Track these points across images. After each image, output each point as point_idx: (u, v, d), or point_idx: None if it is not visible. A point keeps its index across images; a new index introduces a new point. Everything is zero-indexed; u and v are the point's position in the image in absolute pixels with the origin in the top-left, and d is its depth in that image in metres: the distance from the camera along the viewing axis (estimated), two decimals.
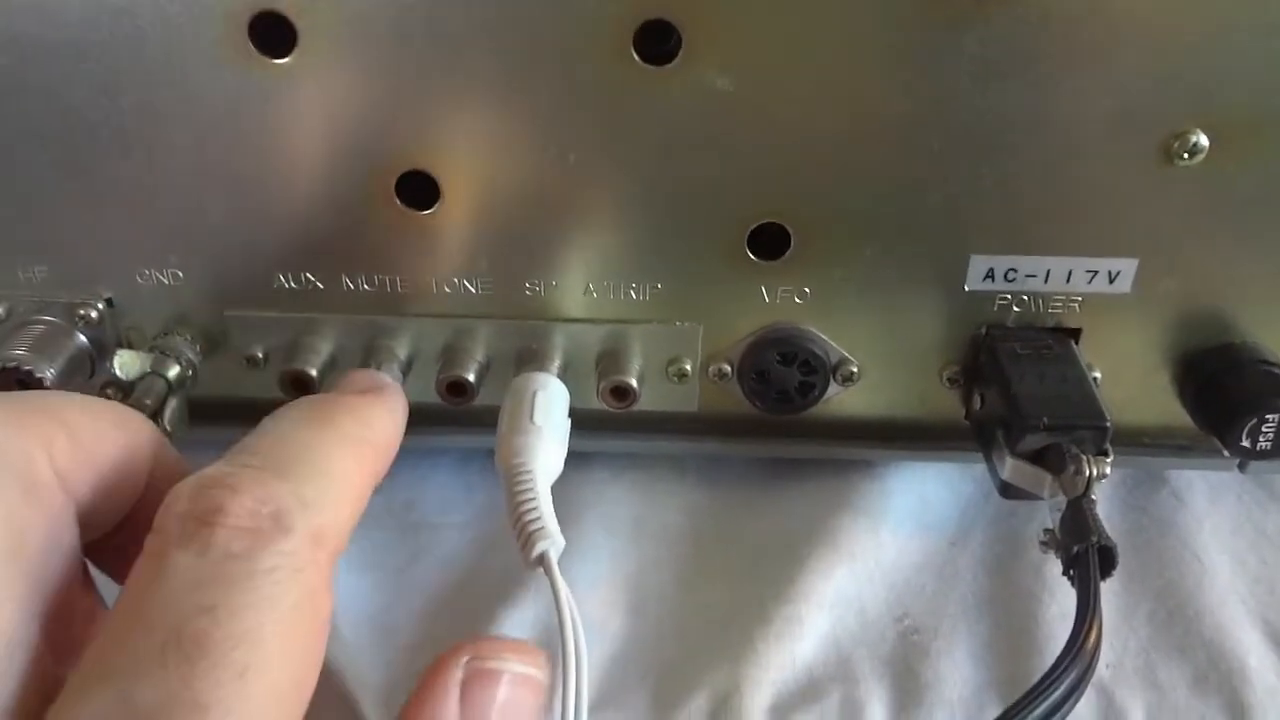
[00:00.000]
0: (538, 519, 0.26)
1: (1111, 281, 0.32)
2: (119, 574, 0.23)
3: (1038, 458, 0.30)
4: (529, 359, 0.32)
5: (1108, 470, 0.28)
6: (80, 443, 0.20)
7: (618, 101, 0.28)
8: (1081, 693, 0.24)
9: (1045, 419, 0.30)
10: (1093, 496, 0.29)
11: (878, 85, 0.28)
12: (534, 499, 0.27)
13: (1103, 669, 0.30)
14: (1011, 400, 0.30)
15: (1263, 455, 0.32)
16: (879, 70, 0.28)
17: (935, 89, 0.28)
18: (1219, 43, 0.28)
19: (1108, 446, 0.30)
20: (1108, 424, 0.30)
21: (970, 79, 0.28)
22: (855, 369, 0.33)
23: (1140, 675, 0.30)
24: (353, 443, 0.22)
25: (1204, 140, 0.29)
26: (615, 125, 0.29)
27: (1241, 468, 0.35)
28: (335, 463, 0.21)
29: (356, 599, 0.31)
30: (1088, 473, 0.28)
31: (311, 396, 0.24)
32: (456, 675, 0.19)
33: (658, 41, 0.28)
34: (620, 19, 0.27)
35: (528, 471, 0.27)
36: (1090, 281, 0.32)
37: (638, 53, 0.28)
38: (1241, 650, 0.30)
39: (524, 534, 0.26)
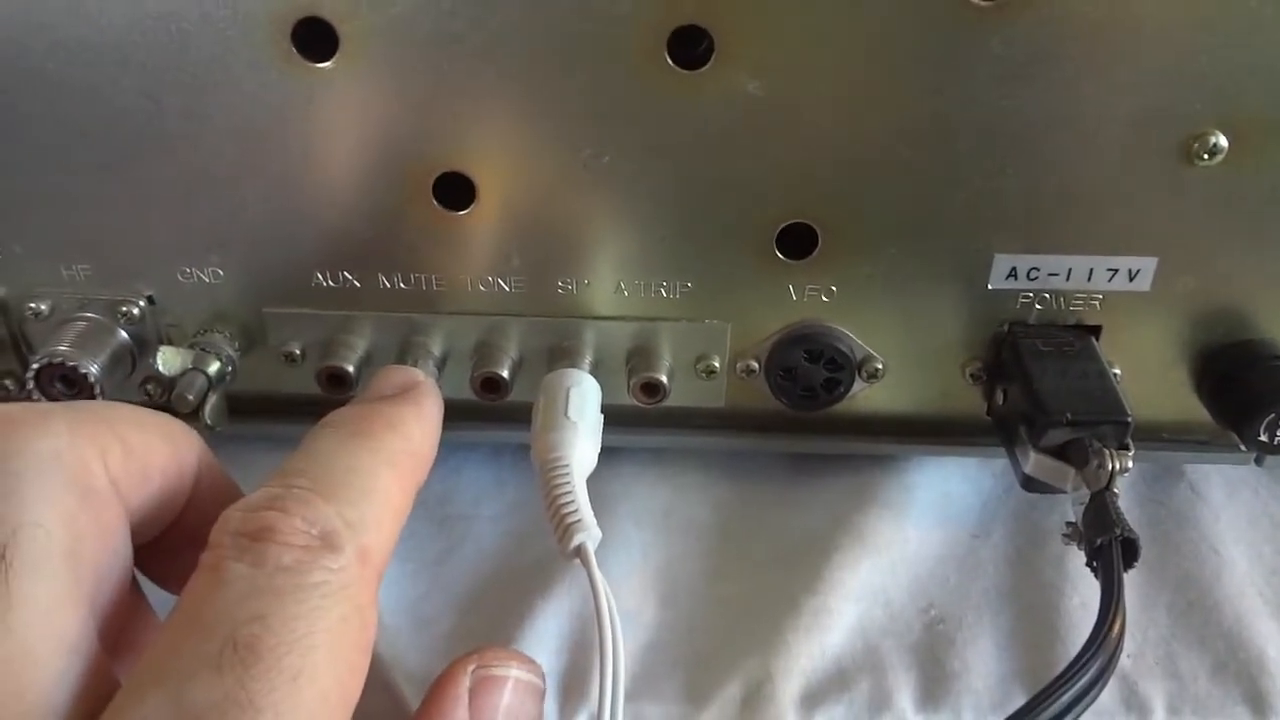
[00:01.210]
0: (575, 511, 0.27)
1: (1131, 280, 0.33)
2: (163, 580, 0.24)
3: (1060, 452, 0.31)
4: (561, 356, 0.33)
5: (1130, 464, 0.29)
6: (133, 453, 0.21)
7: (650, 105, 0.29)
8: (1105, 681, 0.25)
9: (1069, 414, 0.30)
10: (1115, 490, 0.29)
11: (903, 87, 0.29)
12: (570, 492, 0.27)
13: (1124, 659, 0.30)
14: (1034, 396, 0.31)
15: (1278, 450, 0.33)
16: (904, 72, 0.29)
17: (960, 90, 0.29)
18: (1238, 43, 0.28)
19: (1129, 441, 0.30)
20: (1129, 419, 0.30)
21: (994, 80, 0.29)
22: (880, 366, 0.34)
23: (1161, 665, 0.30)
24: (393, 459, 0.23)
25: (1223, 141, 0.30)
26: (648, 128, 0.29)
27: (1259, 462, 0.36)
28: (378, 481, 0.22)
29: (395, 589, 0.32)
30: (1110, 466, 0.29)
31: (350, 408, 0.25)
32: (465, 681, 0.21)
33: (690, 45, 0.28)
34: (653, 24, 0.28)
35: (565, 465, 0.28)
36: (1111, 280, 0.33)
37: (671, 57, 0.28)
38: (1260, 640, 0.31)
39: (561, 526, 0.26)
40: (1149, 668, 0.30)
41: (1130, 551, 0.28)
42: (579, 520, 0.26)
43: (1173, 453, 0.36)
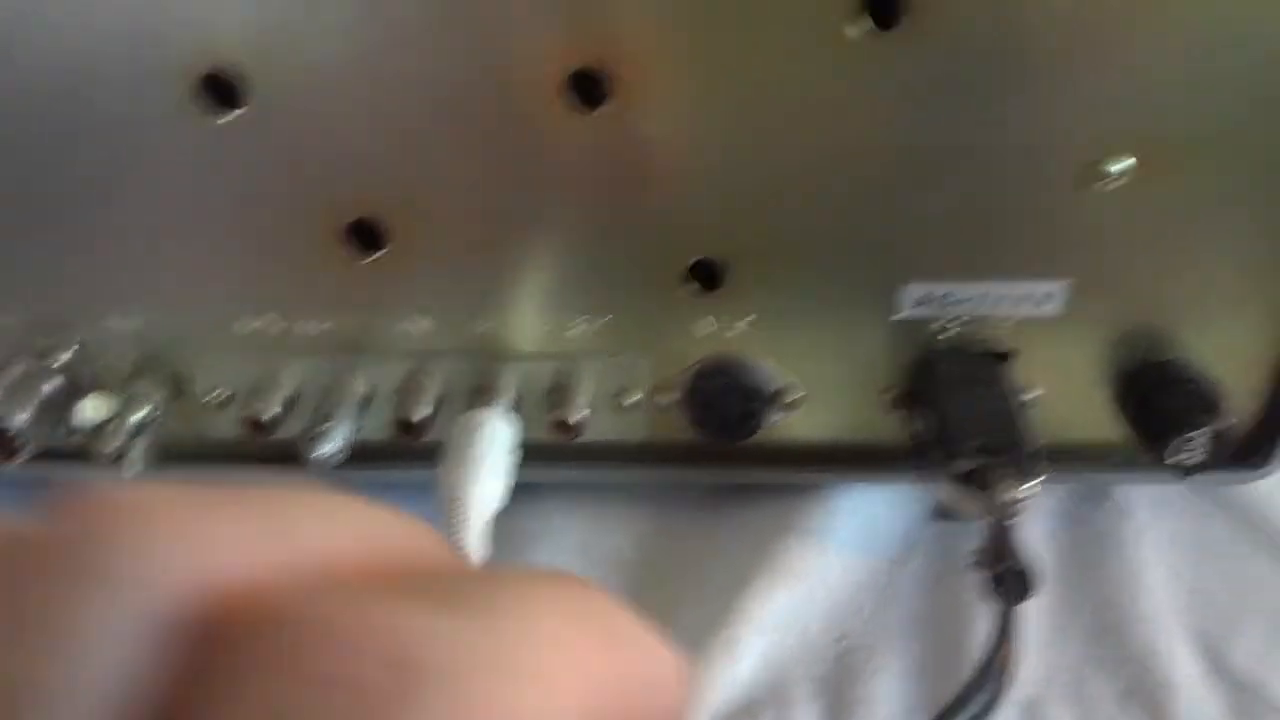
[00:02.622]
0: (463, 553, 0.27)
1: (1044, 304, 0.33)
2: None
3: (967, 480, 0.31)
4: (481, 395, 0.34)
5: (1031, 493, 0.29)
6: None
7: (553, 145, 0.30)
8: (991, 714, 0.25)
9: (973, 442, 0.31)
10: (1014, 519, 0.30)
11: (806, 119, 0.29)
12: (464, 533, 0.28)
13: (1031, 687, 0.30)
14: (942, 423, 0.31)
15: (1193, 470, 0.33)
16: (806, 104, 0.29)
17: (859, 121, 0.29)
18: (1144, 68, 0.28)
19: (1036, 468, 0.31)
20: (1035, 447, 0.31)
21: (893, 109, 0.29)
22: (798, 395, 0.34)
23: (1070, 690, 0.31)
24: None
25: (1129, 163, 0.30)
26: (553, 168, 0.30)
27: (1184, 480, 0.36)
28: None
29: None
30: (1008, 496, 0.29)
31: None
32: None
33: (589, 86, 0.29)
34: (550, 68, 0.28)
35: (460, 505, 0.29)
36: (1022, 305, 0.33)
37: (569, 98, 0.29)
38: (1171, 663, 0.31)
39: None
40: (1057, 695, 0.30)
41: (1023, 583, 0.28)
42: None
43: (1099, 474, 0.36)
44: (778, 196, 0.30)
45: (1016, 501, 0.29)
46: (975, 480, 0.31)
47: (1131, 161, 0.30)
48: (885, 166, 0.30)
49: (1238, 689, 0.31)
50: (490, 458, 0.31)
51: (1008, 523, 0.29)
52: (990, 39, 0.28)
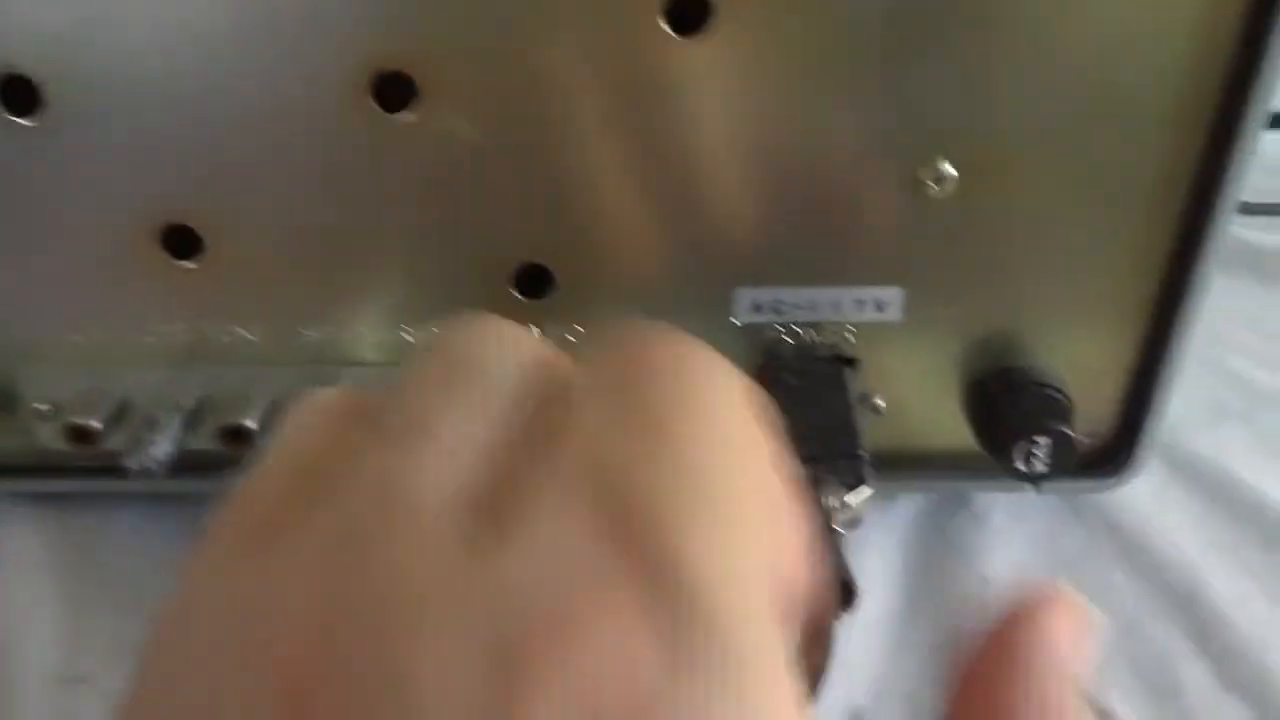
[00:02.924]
0: None
1: (880, 310, 0.32)
2: None
3: None
4: None
5: (853, 500, 0.29)
6: None
7: (363, 149, 0.29)
8: None
9: (800, 451, 0.30)
10: (847, 527, 0.29)
11: (616, 123, 0.29)
12: None
13: (864, 698, 0.30)
14: None
15: (1038, 477, 0.33)
16: (617, 108, 0.28)
17: (676, 125, 0.29)
18: (961, 77, 0.28)
19: (864, 476, 0.30)
20: (862, 453, 0.30)
21: (716, 112, 0.28)
22: None
23: (904, 702, 0.30)
24: None
25: (951, 171, 0.29)
26: (364, 172, 0.29)
27: (1037, 489, 0.35)
28: None
29: None
30: (835, 504, 0.29)
31: None
32: None
33: (397, 90, 0.28)
34: (355, 69, 0.28)
35: None
36: (860, 311, 0.32)
37: (378, 101, 0.28)
38: None
39: None
40: (890, 706, 0.30)
41: (844, 595, 0.27)
42: None
43: (955, 482, 0.36)
44: (593, 203, 0.30)
45: (843, 509, 0.29)
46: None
47: (952, 170, 0.29)
48: (707, 173, 0.29)
49: None
50: None
51: (838, 531, 0.28)
52: (803, 47, 0.27)
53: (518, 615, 0.12)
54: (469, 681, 0.11)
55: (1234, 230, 0.52)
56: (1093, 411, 0.35)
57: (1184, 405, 0.40)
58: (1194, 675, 0.31)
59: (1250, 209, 0.55)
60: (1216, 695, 0.30)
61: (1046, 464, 0.32)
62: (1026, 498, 0.37)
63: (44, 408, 0.33)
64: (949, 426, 0.35)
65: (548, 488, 0.14)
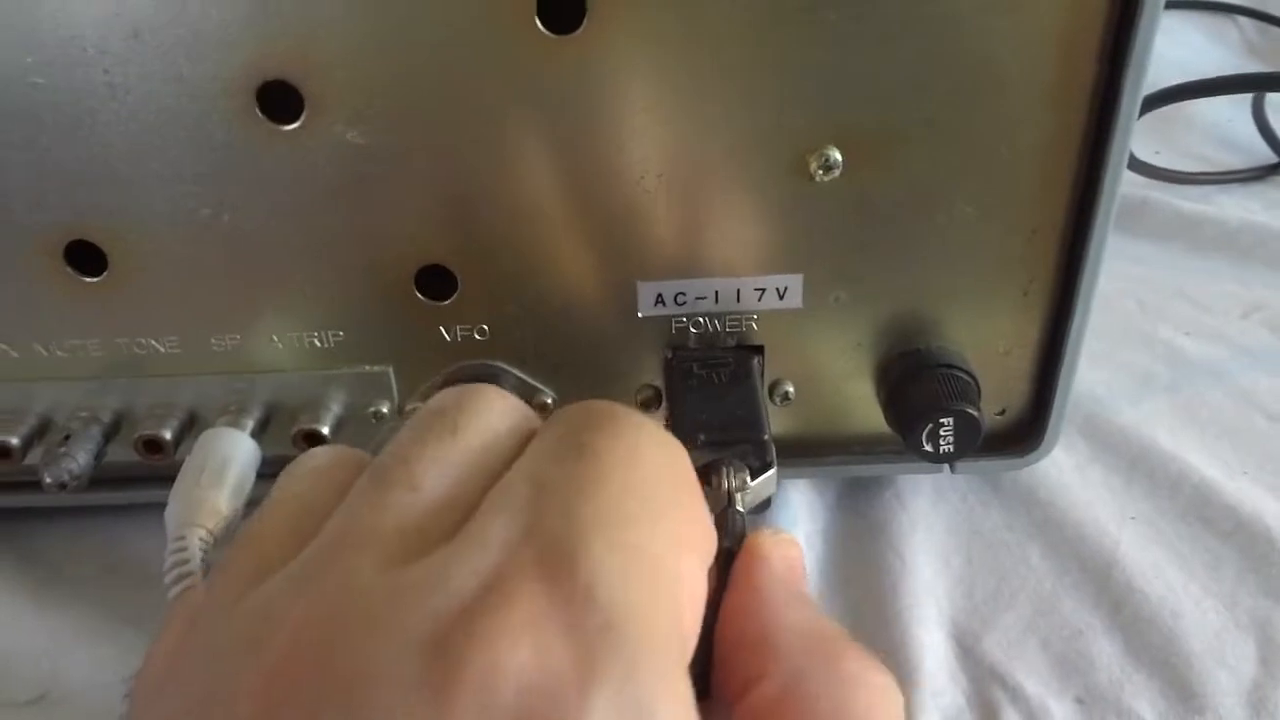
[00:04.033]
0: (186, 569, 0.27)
1: (782, 297, 0.33)
2: None
3: (704, 475, 0.31)
4: (228, 412, 0.33)
5: (753, 482, 0.29)
6: None
7: (254, 159, 0.29)
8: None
9: (701, 436, 0.30)
10: (739, 509, 0.29)
11: (502, 125, 0.29)
12: (189, 561, 0.27)
13: None
14: (677, 420, 0.31)
15: (946, 458, 0.33)
16: (498, 109, 0.29)
17: (562, 124, 0.29)
18: (836, 62, 0.28)
19: (770, 460, 0.30)
20: (767, 438, 0.30)
21: (598, 110, 0.29)
22: (549, 400, 0.34)
23: None
24: None
25: (837, 155, 0.30)
26: (257, 183, 0.30)
27: (951, 469, 0.36)
28: None
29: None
30: (726, 485, 0.29)
31: None
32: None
33: (284, 99, 0.29)
34: (239, 80, 0.28)
35: (180, 539, 0.28)
36: (761, 299, 0.33)
37: (264, 112, 0.29)
38: (920, 653, 0.31)
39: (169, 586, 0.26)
40: None
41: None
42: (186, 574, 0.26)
43: (871, 465, 0.36)
44: (486, 203, 0.30)
45: (735, 490, 0.29)
46: (703, 474, 0.30)
47: (838, 155, 0.30)
48: (595, 168, 0.30)
49: (982, 677, 0.30)
50: (227, 479, 0.30)
51: (732, 511, 0.28)
52: (676, 40, 0.28)
53: (450, 610, 0.15)
54: (411, 668, 0.14)
55: (1167, 199, 0.53)
56: (1003, 389, 0.35)
57: (1112, 377, 0.41)
58: (1105, 648, 0.31)
59: (1182, 178, 0.56)
60: (1125, 667, 0.30)
61: (952, 444, 0.33)
62: (946, 480, 0.37)
63: None
64: (864, 410, 0.35)
65: (490, 504, 0.17)
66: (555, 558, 0.16)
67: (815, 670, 0.19)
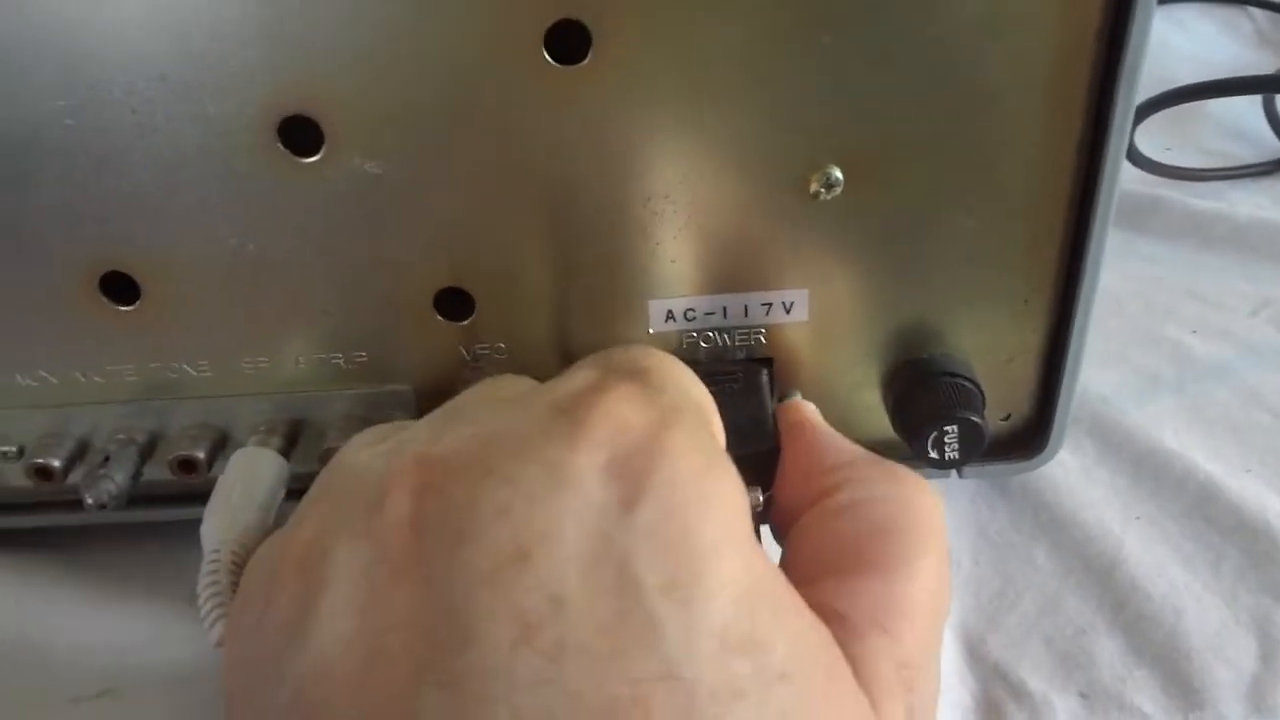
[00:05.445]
0: (221, 604, 0.28)
1: (789, 311, 0.34)
2: None
3: None
4: (259, 431, 0.35)
5: (760, 498, 0.30)
6: None
7: (277, 191, 0.31)
8: None
9: None
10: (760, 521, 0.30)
11: (513, 153, 0.30)
12: (218, 583, 0.29)
13: None
14: None
15: (952, 464, 0.34)
16: (513, 139, 0.30)
17: (572, 150, 0.30)
18: (834, 84, 0.29)
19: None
20: (776, 448, 0.31)
21: (606, 137, 0.30)
22: None
23: None
24: None
25: (838, 174, 0.31)
26: (280, 213, 0.31)
27: (958, 474, 0.37)
28: None
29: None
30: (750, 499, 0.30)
31: None
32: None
33: (304, 134, 0.30)
34: (260, 116, 0.29)
35: (216, 555, 0.29)
36: (768, 314, 0.34)
37: (286, 146, 0.30)
38: None
39: (209, 618, 0.28)
40: None
41: None
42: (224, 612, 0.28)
43: None
44: (504, 225, 0.31)
45: (760, 504, 0.30)
46: None
47: (839, 174, 0.30)
48: (604, 192, 0.31)
49: (987, 676, 0.31)
50: (256, 498, 0.32)
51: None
52: (677, 68, 0.29)
53: (570, 394, 0.22)
54: (547, 419, 0.22)
55: (1179, 197, 0.53)
56: (1008, 395, 0.36)
57: (1119, 378, 0.41)
58: (1107, 646, 0.32)
59: (1193, 175, 0.56)
60: (1127, 663, 0.31)
61: (959, 451, 0.34)
62: (955, 481, 0.38)
63: (7, 449, 0.35)
64: (871, 418, 0.36)
65: (573, 367, 0.26)
66: (633, 371, 0.24)
67: (880, 481, 0.26)
